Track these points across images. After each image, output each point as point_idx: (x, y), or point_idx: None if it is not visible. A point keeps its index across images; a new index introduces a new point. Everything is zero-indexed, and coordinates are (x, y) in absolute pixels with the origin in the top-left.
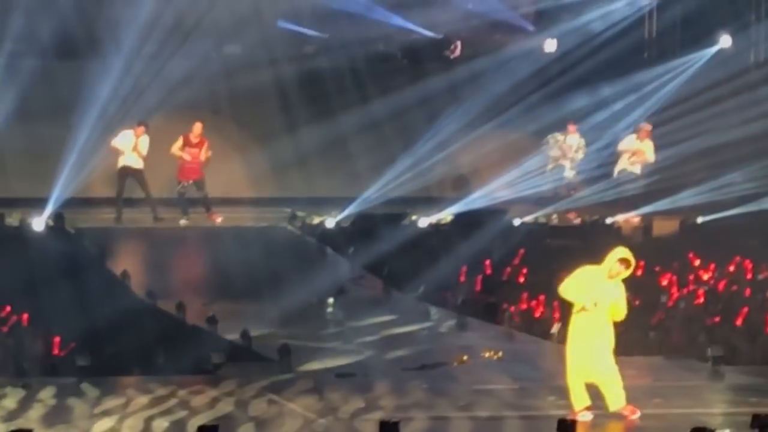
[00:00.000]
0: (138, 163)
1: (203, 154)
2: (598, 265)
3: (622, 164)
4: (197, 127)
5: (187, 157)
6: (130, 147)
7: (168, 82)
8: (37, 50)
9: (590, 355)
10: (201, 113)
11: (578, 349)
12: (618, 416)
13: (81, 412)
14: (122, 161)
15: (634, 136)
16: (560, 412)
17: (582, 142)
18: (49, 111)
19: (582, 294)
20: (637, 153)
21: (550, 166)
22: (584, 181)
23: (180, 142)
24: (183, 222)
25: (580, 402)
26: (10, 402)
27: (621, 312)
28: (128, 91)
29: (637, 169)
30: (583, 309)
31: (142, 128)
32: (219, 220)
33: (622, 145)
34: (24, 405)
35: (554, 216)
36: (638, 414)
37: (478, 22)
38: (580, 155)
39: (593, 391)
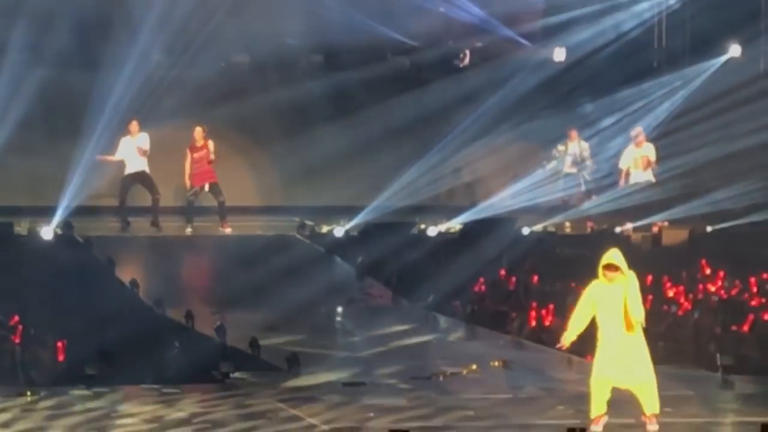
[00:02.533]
0: (142, 166)
1: (212, 153)
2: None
3: (633, 177)
4: (197, 131)
5: (188, 169)
6: (132, 151)
7: (176, 91)
8: (46, 59)
9: (625, 360)
10: (209, 122)
11: (609, 353)
12: (627, 426)
13: (90, 421)
14: (128, 168)
15: (632, 146)
16: (569, 422)
17: (585, 146)
18: (58, 119)
19: (581, 307)
20: (642, 160)
21: (562, 176)
22: (595, 189)
23: (187, 154)
24: (188, 231)
25: (599, 409)
26: (19, 411)
27: (635, 312)
28: (137, 101)
29: (650, 176)
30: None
31: (135, 124)
32: (228, 230)
33: (624, 160)
34: (33, 414)
35: (567, 224)
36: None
37: (486, 35)
38: (591, 163)
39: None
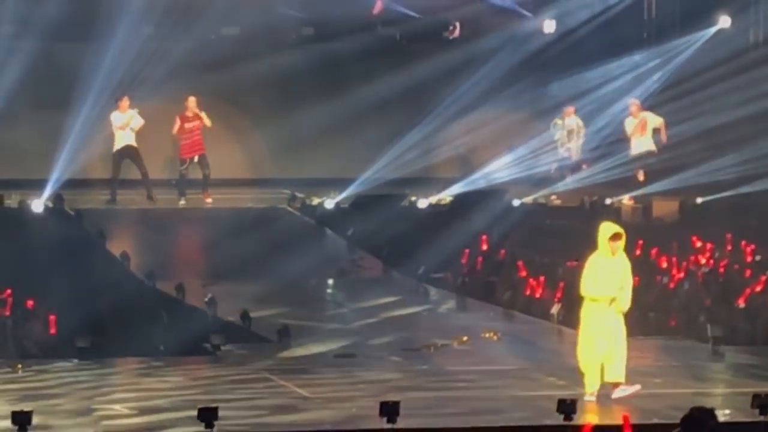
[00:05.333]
0: (131, 140)
1: (206, 120)
2: (596, 249)
3: (636, 147)
4: (191, 101)
5: (175, 132)
6: (122, 125)
7: (166, 64)
8: (36, 32)
9: (606, 334)
10: (199, 95)
11: (595, 331)
12: (614, 398)
13: (81, 393)
14: (117, 144)
15: (630, 118)
16: (560, 393)
17: (580, 123)
18: (48, 93)
19: (603, 286)
20: (642, 127)
21: (560, 149)
22: (588, 161)
23: (177, 122)
24: (181, 203)
25: (593, 385)
26: (10, 383)
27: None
28: (127, 73)
29: (651, 145)
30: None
31: (124, 102)
32: (209, 200)
33: (627, 130)
34: (24, 387)
35: (553, 197)
36: (637, 387)
37: (477, 5)
38: (582, 137)
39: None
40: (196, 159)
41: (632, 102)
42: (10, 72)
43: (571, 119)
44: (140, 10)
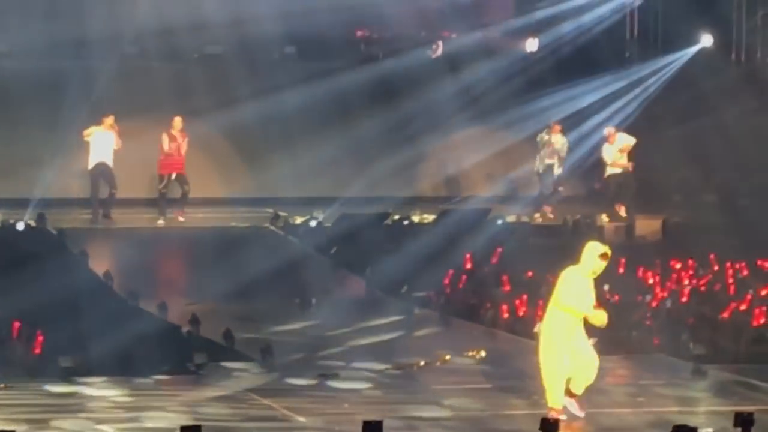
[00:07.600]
0: (108, 158)
1: (184, 147)
2: (577, 264)
3: (612, 170)
4: (177, 121)
5: (166, 149)
6: (103, 143)
7: (149, 83)
8: (21, 52)
9: (575, 348)
10: (181, 114)
11: (564, 346)
12: (590, 416)
13: (63, 412)
14: (96, 159)
15: (606, 144)
16: (543, 411)
17: (565, 141)
18: (31, 112)
19: (583, 299)
20: (621, 152)
21: (540, 166)
22: (568, 180)
23: (165, 137)
24: (160, 222)
25: (560, 401)
26: None
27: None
28: (109, 92)
29: (627, 163)
30: (580, 312)
31: (111, 119)
32: (181, 219)
33: (606, 156)
34: (9, 404)
35: (537, 215)
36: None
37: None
38: (564, 154)
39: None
40: (173, 176)
41: (609, 131)
42: None
43: (557, 137)
44: (123, 28)
